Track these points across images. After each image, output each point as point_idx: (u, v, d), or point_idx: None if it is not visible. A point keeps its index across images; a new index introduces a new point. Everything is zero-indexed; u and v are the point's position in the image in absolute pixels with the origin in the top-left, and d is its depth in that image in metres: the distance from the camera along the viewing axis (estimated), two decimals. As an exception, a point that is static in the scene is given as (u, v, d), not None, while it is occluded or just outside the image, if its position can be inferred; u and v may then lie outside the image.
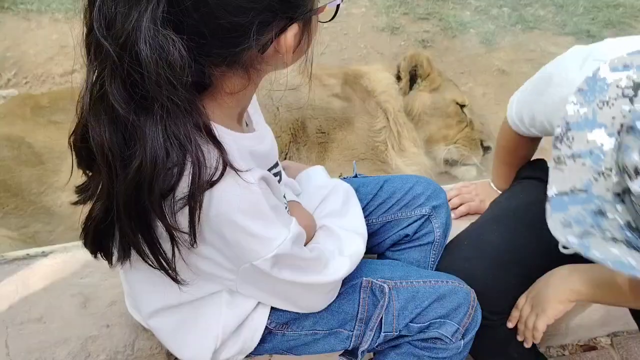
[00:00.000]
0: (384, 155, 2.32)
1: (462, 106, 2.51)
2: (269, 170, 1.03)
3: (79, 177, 0.95)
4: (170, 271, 0.89)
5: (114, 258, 0.95)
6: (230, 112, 0.93)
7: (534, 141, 1.47)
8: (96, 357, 1.25)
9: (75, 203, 0.93)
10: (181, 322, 1.06)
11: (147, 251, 0.87)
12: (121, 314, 1.29)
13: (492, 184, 1.61)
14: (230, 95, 0.89)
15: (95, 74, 0.79)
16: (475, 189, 1.65)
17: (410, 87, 2.48)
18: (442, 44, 3.27)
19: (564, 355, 1.75)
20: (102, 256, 0.97)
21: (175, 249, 0.86)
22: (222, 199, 0.83)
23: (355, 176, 1.44)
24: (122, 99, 0.77)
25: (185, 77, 0.77)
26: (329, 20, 0.96)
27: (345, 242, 1.14)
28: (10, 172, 2.00)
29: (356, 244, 1.15)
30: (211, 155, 0.81)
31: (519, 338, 1.37)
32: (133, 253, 0.89)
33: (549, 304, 1.27)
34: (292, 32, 0.85)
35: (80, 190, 0.93)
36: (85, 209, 0.94)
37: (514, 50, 3.27)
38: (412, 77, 2.47)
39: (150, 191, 0.80)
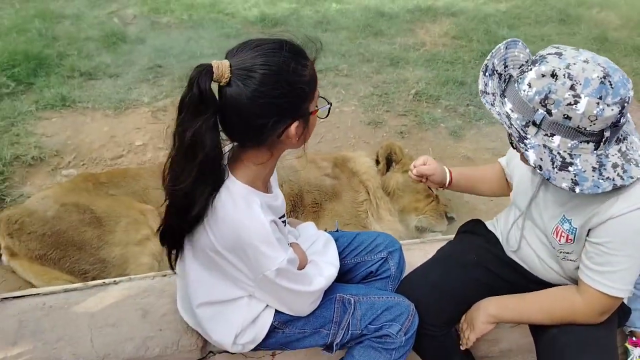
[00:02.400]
0: (365, 222, 2.92)
1: (429, 185, 3.13)
2: (280, 218, 1.62)
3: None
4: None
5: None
6: (260, 178, 1.52)
7: (501, 185, 2.07)
8: (152, 350, 1.78)
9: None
10: (217, 314, 1.62)
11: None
12: (170, 321, 1.84)
13: (446, 168, 2.07)
14: (259, 166, 1.48)
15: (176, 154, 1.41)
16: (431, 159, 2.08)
17: (387, 169, 3.10)
18: (417, 135, 3.82)
19: (499, 372, 2.27)
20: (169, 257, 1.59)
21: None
22: (248, 230, 1.44)
23: (337, 231, 2.03)
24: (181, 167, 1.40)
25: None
26: (325, 117, 1.53)
27: (324, 269, 1.71)
28: (77, 231, 2.58)
29: (330, 270, 1.71)
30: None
31: (462, 347, 1.89)
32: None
33: (477, 324, 1.80)
34: (294, 126, 1.42)
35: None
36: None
37: (478, 141, 3.82)
38: (389, 161, 3.09)
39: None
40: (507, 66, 1.54)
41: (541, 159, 1.42)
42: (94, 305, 1.92)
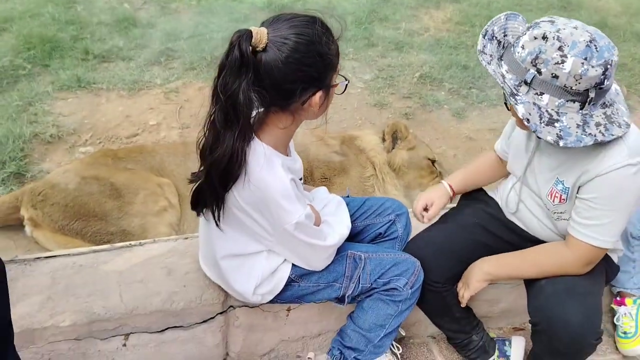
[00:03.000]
0: (371, 196, 3.05)
1: (432, 161, 3.25)
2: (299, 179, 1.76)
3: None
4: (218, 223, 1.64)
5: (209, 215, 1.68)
6: (282, 142, 1.64)
7: (499, 169, 2.18)
8: (177, 304, 1.91)
9: (190, 181, 1.67)
10: (238, 266, 1.76)
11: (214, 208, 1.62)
12: (193, 279, 1.97)
13: (444, 182, 2.18)
14: (281, 130, 1.60)
15: (214, 110, 1.52)
16: (426, 192, 2.20)
17: (393, 147, 3.23)
18: (421, 116, 3.95)
19: (500, 331, 2.40)
20: (200, 212, 1.71)
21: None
22: (270, 186, 1.56)
23: (347, 196, 2.16)
24: (220, 121, 1.51)
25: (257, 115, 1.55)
26: (342, 93, 1.65)
27: (336, 227, 1.84)
28: (98, 202, 2.70)
29: (343, 229, 1.84)
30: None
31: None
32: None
33: (471, 282, 1.95)
34: (318, 95, 1.54)
35: (192, 175, 1.67)
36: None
37: (480, 122, 3.94)
38: (394, 139, 3.23)
39: (219, 170, 1.54)
40: (506, 35, 1.67)
41: (530, 114, 1.55)
42: (121, 264, 2.05)
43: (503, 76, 1.60)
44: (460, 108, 4.08)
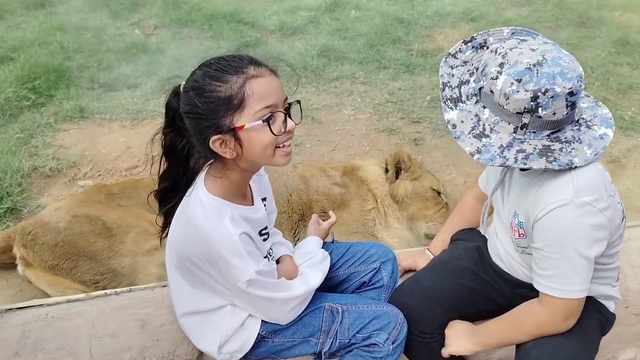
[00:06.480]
0: (372, 230, 2.91)
1: (438, 192, 3.11)
2: (260, 231, 1.65)
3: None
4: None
5: None
6: (231, 191, 1.55)
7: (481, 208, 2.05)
8: (149, 360, 1.85)
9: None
10: (201, 322, 1.66)
11: None
12: (168, 331, 1.88)
13: (427, 251, 2.16)
14: (222, 179, 1.52)
15: None
16: (411, 255, 2.20)
17: (396, 177, 3.09)
18: (431, 142, 3.81)
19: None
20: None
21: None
22: (216, 241, 1.46)
23: (332, 241, 2.05)
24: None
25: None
26: (282, 134, 1.44)
27: (310, 279, 1.72)
28: (88, 241, 2.64)
29: (314, 281, 1.72)
30: None
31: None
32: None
33: (448, 347, 1.84)
34: (215, 140, 1.42)
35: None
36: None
37: (493, 146, 3.81)
38: (397, 169, 3.09)
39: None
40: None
41: (462, 122, 1.50)
42: (94, 315, 1.97)
43: (465, 82, 1.56)
44: (472, 132, 3.90)
